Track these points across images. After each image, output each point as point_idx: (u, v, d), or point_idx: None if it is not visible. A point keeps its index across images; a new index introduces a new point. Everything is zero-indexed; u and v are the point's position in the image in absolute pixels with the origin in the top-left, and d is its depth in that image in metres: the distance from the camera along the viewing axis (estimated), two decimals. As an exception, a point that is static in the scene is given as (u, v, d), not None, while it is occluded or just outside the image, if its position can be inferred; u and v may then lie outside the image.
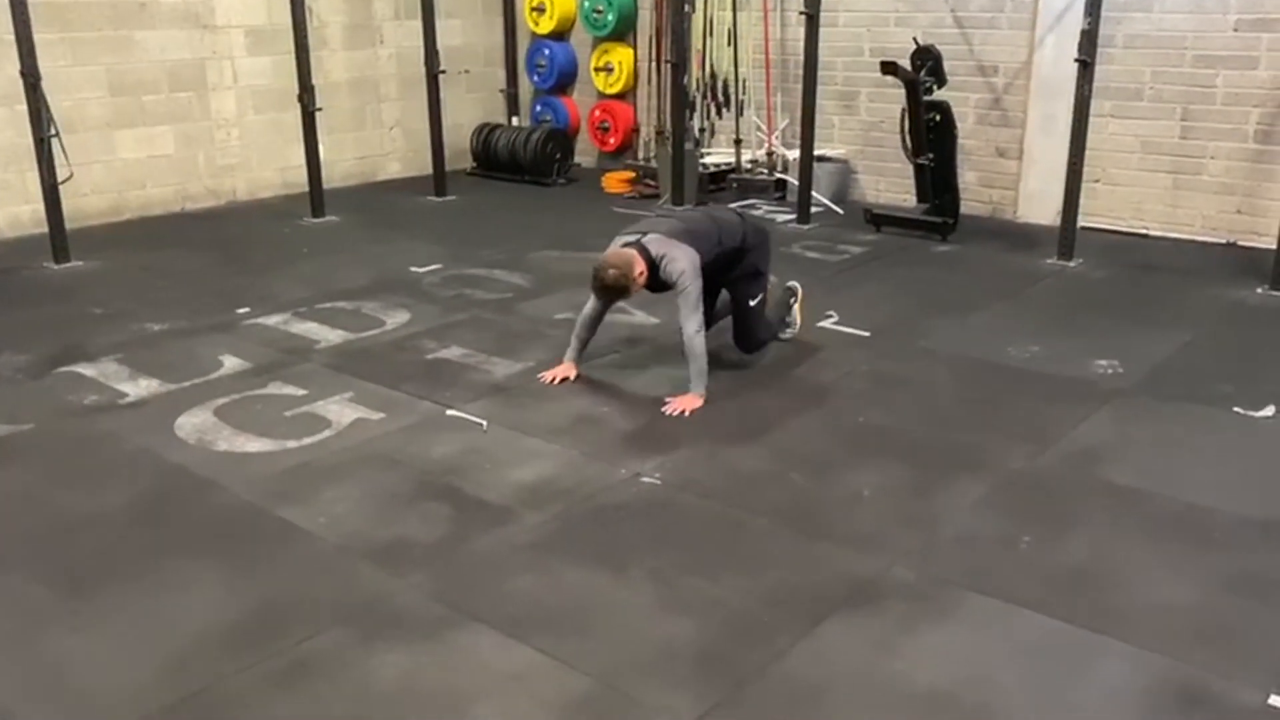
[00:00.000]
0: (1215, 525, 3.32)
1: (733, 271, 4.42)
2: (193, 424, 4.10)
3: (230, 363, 4.74)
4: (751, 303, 4.52)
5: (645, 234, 4.24)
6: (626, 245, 4.21)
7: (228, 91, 7.98)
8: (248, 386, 4.47)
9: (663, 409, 4.14)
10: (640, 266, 4.11)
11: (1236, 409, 4.18)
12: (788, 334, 4.91)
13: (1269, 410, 4.15)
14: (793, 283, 5.01)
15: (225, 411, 4.21)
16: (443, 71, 8.07)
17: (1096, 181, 6.87)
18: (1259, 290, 5.72)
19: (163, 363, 4.73)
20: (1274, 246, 5.74)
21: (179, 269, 6.37)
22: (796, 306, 4.95)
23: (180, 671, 2.65)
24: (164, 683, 2.61)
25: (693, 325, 4.15)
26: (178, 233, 7.29)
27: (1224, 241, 6.65)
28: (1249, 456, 3.81)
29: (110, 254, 6.59)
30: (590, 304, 4.40)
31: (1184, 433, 4.02)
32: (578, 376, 4.47)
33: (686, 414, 4.10)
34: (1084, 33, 5.90)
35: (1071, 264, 6.28)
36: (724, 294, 4.56)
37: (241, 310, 5.47)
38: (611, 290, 4.16)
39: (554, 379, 4.44)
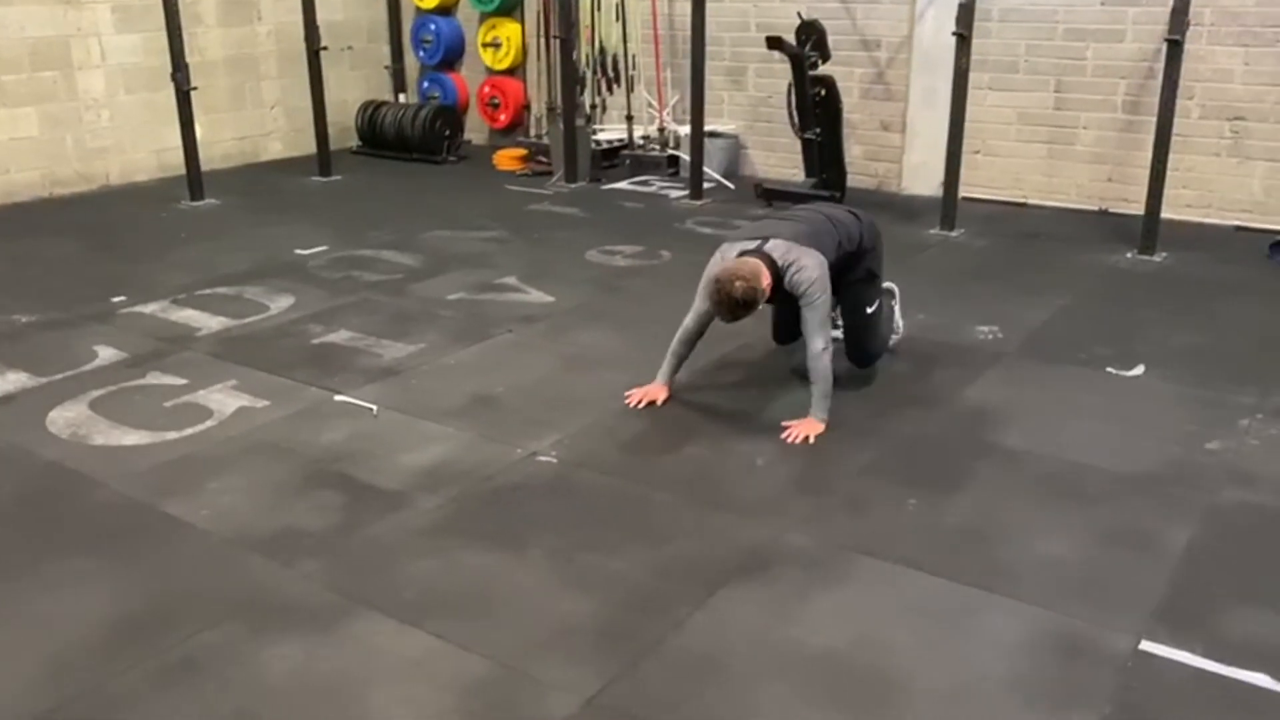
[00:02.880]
0: (1091, 481, 3.46)
1: (847, 275, 3.96)
2: (66, 418, 3.93)
3: (106, 353, 4.55)
4: (869, 309, 4.08)
5: (766, 239, 3.77)
6: (745, 254, 3.73)
7: (96, 70, 7.63)
8: (125, 378, 4.30)
9: (782, 435, 3.74)
10: (768, 278, 3.64)
11: (1110, 369, 4.36)
12: (892, 341, 4.47)
13: (1139, 369, 4.34)
14: (888, 284, 4.42)
15: (101, 404, 4.05)
16: (324, 48, 7.86)
17: (976, 153, 7.07)
18: (1129, 255, 5.97)
19: (32, 355, 4.51)
20: (1142, 213, 6.00)
21: (48, 257, 6.09)
22: (896, 308, 4.51)
23: (59, 675, 2.55)
24: (41, 687, 2.50)
25: (820, 342, 3.71)
26: (46, 219, 6.97)
27: (1097, 209, 6.92)
28: (1122, 414, 3.97)
29: (-28, 243, 6.27)
30: (692, 318, 3.87)
31: (1062, 393, 4.17)
32: (666, 399, 3.99)
33: (811, 440, 3.71)
34: (961, 6, 6.05)
35: (954, 234, 6.46)
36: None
37: (117, 299, 5.26)
38: (740, 306, 3.58)
39: (642, 401, 3.96)
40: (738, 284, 3.56)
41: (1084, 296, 5.33)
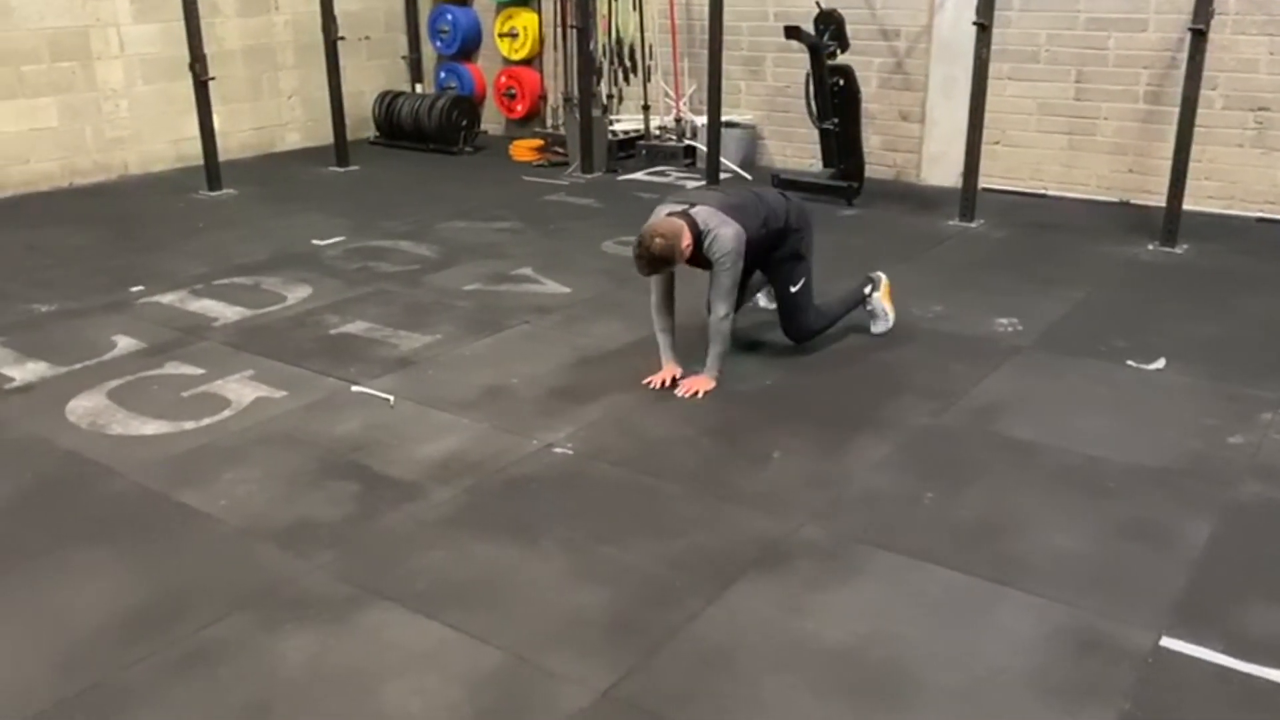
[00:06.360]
0: (1109, 475, 3.42)
1: (774, 254, 4.20)
2: (85, 407, 3.95)
3: (124, 343, 4.57)
4: (793, 289, 4.28)
5: (693, 205, 3.99)
6: (672, 215, 3.96)
7: (114, 60, 7.66)
8: (143, 367, 4.32)
9: (676, 390, 4.01)
10: (688, 238, 3.86)
11: (1130, 362, 4.31)
12: (880, 328, 4.60)
13: (1160, 363, 4.29)
14: (876, 273, 4.67)
15: (119, 394, 4.06)
16: (342, 38, 7.86)
17: (996, 143, 7.01)
18: (1150, 247, 5.91)
19: (51, 345, 4.54)
20: (1163, 204, 5.93)
21: (67, 247, 6.12)
22: (879, 296, 4.60)
23: (75, 665, 2.56)
24: (57, 677, 2.52)
25: (723, 309, 3.97)
26: (65, 209, 7.00)
27: (1117, 200, 6.85)
28: (1141, 408, 3.93)
29: (-8, 233, 6.30)
30: (652, 289, 4.08)
31: (1080, 387, 4.13)
32: (681, 374, 4.11)
33: (700, 395, 3.97)
34: (981, -4, 5.99)
35: (973, 225, 6.41)
36: (758, 274, 4.36)
37: (135, 289, 5.28)
38: (657, 261, 3.84)
39: (662, 383, 4.08)
40: (657, 240, 3.81)
41: (1104, 288, 5.27)
